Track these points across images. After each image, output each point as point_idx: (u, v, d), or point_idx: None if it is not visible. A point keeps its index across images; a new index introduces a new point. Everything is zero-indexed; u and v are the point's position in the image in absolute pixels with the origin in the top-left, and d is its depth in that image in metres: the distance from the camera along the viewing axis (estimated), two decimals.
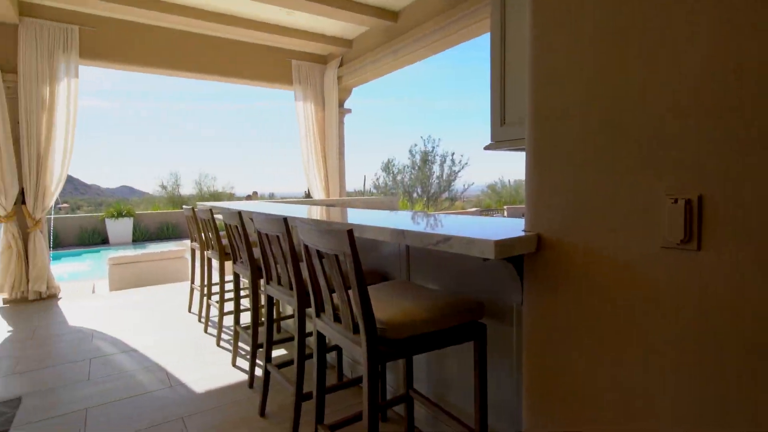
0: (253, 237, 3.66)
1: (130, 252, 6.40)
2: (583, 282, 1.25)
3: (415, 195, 19.24)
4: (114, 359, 3.33)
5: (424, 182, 19.14)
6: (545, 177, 1.34)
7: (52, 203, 5.29)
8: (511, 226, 1.56)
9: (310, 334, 2.75)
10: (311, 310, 1.83)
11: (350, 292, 1.43)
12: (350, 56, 6.77)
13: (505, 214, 12.34)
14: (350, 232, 1.33)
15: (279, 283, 2.29)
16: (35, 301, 5.15)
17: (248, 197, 18.06)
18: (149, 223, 13.08)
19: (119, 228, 12.25)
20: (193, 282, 4.56)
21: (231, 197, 18.75)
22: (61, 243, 11.59)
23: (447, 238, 1.39)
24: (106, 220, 12.15)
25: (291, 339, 2.99)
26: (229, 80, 6.62)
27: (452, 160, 19.10)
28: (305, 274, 2.14)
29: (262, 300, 3.99)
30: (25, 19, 4.91)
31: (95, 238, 12.14)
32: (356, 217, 2.24)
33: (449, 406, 2.08)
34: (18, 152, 5.01)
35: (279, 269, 2.24)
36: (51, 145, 5.13)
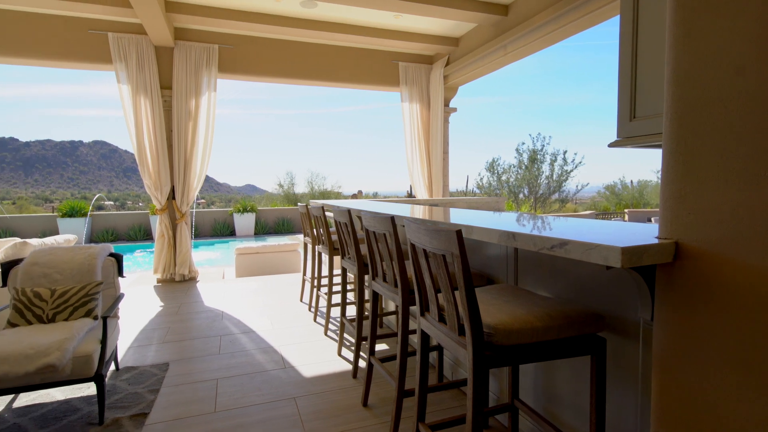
0: (361, 234, 3.82)
1: (253, 244, 7.14)
2: (738, 301, 1.06)
3: (521, 196, 18.32)
4: (238, 338, 3.75)
5: (532, 183, 18.12)
6: (690, 177, 1.17)
7: (194, 199, 6.16)
8: (639, 232, 1.40)
9: (413, 331, 2.79)
10: (415, 309, 1.85)
11: (457, 293, 1.42)
12: (457, 54, 6.69)
13: (626, 218, 11.12)
14: (459, 233, 1.31)
15: (384, 279, 2.36)
16: (180, 282, 6.04)
17: (354, 196, 18.95)
18: (268, 218, 14.47)
19: (244, 222, 13.77)
20: (305, 274, 4.93)
21: (338, 195, 19.86)
22: (198, 234, 13.43)
23: (563, 243, 1.29)
24: (234, 214, 13.75)
25: (392, 335, 3.07)
26: (340, 85, 7.02)
27: (564, 159, 17.77)
28: (410, 272, 2.17)
29: (367, 295, 4.16)
30: (178, 42, 5.78)
31: (225, 230, 13.82)
32: (461, 217, 2.20)
33: (559, 422, 1.94)
34: (170, 156, 5.92)
35: (384, 266, 2.31)
36: (194, 150, 5.96)
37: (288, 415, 2.46)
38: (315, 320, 4.20)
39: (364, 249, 3.02)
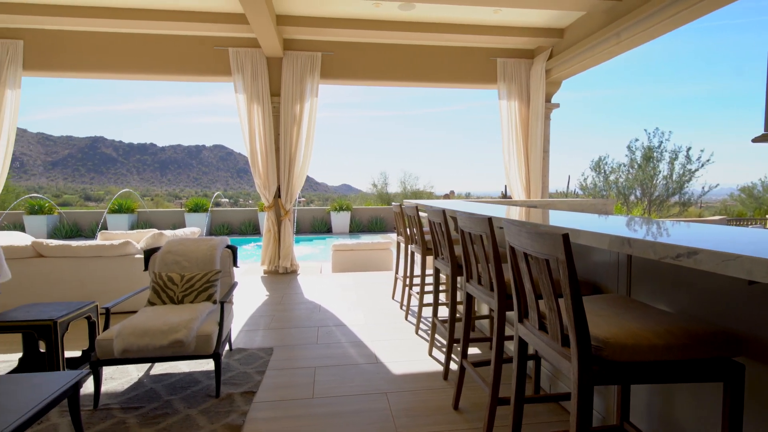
0: (455, 235, 3.77)
1: (348, 241, 7.48)
2: None
3: (632, 198, 16.57)
4: (334, 330, 3.95)
5: (646, 183, 16.27)
6: None
7: (297, 198, 6.62)
8: None
9: (508, 337, 2.67)
10: (511, 314, 1.77)
11: (561, 300, 1.32)
12: (561, 46, 6.27)
13: None
14: (566, 237, 1.22)
15: (479, 282, 2.30)
16: (283, 274, 6.53)
17: (446, 196, 18.80)
18: (362, 216, 15.01)
19: (340, 220, 14.45)
20: (397, 272, 5.01)
21: (430, 196, 19.86)
22: (299, 230, 14.42)
23: (692, 252, 1.14)
24: (331, 212, 14.50)
25: (485, 339, 2.98)
26: (435, 85, 7.00)
27: (687, 157, 15.67)
28: (508, 276, 2.08)
29: (460, 296, 4.10)
30: (286, 52, 6.26)
31: (322, 227, 14.65)
32: (565, 219, 2.06)
33: None
34: (277, 158, 6.43)
35: (480, 268, 2.25)
36: (297, 152, 6.40)
37: (380, 408, 2.53)
38: (406, 319, 4.25)
39: (458, 250, 2.97)
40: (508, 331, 3.02)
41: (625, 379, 1.30)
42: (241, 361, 3.23)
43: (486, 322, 3.81)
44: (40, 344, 2.96)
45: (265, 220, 6.56)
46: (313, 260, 8.91)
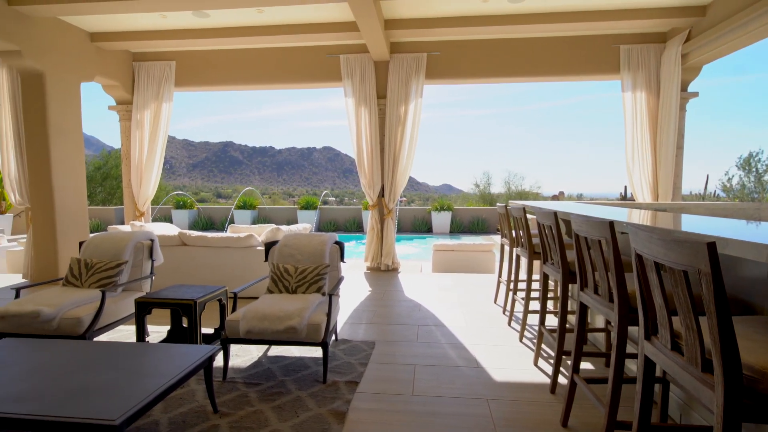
0: (566, 239, 3.51)
1: (449, 241, 7.41)
2: None
3: None
4: (434, 330, 3.94)
5: None
6: None
7: (399, 197, 6.75)
8: None
9: (629, 355, 2.41)
10: (634, 329, 1.58)
11: (702, 319, 1.15)
12: (703, 26, 5.44)
13: None
14: (712, 246, 1.06)
15: (596, 291, 2.11)
16: (384, 271, 6.72)
17: (554, 197, 17.57)
18: (463, 217, 14.76)
19: (440, 220, 14.39)
20: (500, 275, 4.83)
21: (537, 197, 18.75)
22: (400, 229, 14.70)
23: None
24: (432, 212, 14.52)
25: (599, 354, 2.72)
26: (546, 79, 6.59)
27: None
28: (632, 286, 1.88)
29: (571, 305, 3.80)
30: (393, 55, 6.42)
31: (423, 227, 14.74)
32: (705, 226, 1.77)
33: None
34: (382, 158, 6.63)
35: (597, 276, 2.05)
36: (401, 152, 6.53)
37: (480, 414, 2.46)
38: (509, 324, 4.07)
39: (570, 255, 2.76)
40: (630, 349, 2.72)
41: None
42: (345, 351, 3.40)
43: (601, 335, 3.48)
44: (183, 320, 3.46)
45: (369, 218, 6.81)
46: (414, 259, 9.01)
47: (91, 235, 4.14)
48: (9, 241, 8.11)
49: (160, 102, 7.06)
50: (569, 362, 3.06)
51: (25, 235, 8.31)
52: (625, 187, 8.41)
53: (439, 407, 2.55)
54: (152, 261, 3.89)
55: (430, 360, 3.25)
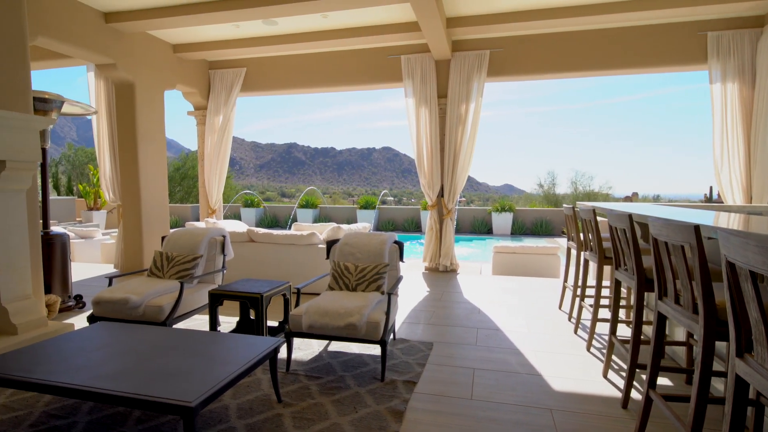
0: (643, 244, 3.28)
1: (510, 243, 7.17)
2: None
3: None
4: (493, 334, 3.84)
5: None
6: None
7: (458, 197, 6.65)
8: None
9: (717, 373, 2.19)
10: (724, 345, 1.43)
11: None
12: None
13: None
14: None
15: (676, 301, 1.94)
16: (442, 273, 6.65)
17: (627, 198, 16.39)
18: (526, 218, 14.22)
19: (501, 221, 13.98)
20: (565, 280, 4.60)
21: (607, 198, 17.60)
22: (459, 229, 14.47)
23: None
24: (492, 213, 14.14)
25: (680, 370, 2.50)
26: (618, 72, 6.17)
27: None
28: (720, 297, 1.71)
29: (646, 315, 3.54)
30: (454, 54, 6.34)
31: (482, 228, 14.40)
32: None
33: None
34: (441, 158, 6.57)
35: (679, 285, 1.89)
36: (461, 151, 6.42)
37: (543, 425, 2.36)
38: (575, 332, 3.86)
39: (646, 261, 2.56)
40: (717, 366, 2.47)
41: None
42: (403, 350, 3.41)
43: (680, 349, 3.19)
44: (250, 312, 3.66)
45: (428, 219, 6.78)
46: (473, 260, 8.84)
47: (172, 230, 4.51)
48: (103, 234, 9.06)
49: (231, 106, 7.53)
50: (644, 376, 2.85)
51: (116, 230, 9.24)
52: (711, 187, 7.65)
53: (500, 414, 2.48)
54: (224, 256, 4.15)
55: (489, 365, 3.17)
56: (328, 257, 3.68)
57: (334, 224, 5.38)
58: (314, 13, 5.33)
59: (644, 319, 3.44)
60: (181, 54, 6.90)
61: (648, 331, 3.58)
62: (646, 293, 2.72)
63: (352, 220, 15.29)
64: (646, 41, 5.89)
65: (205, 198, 7.85)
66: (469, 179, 6.69)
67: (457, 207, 7.00)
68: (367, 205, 15.07)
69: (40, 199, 4.16)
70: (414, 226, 14.97)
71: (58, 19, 5.03)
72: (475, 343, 3.61)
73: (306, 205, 15.41)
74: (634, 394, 2.67)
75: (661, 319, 2.14)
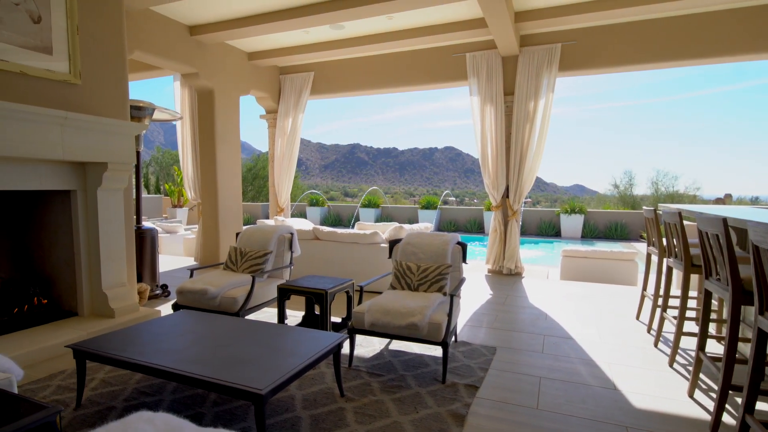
0: (738, 251, 2.96)
1: (580, 247, 6.75)
2: None
3: None
4: (561, 342, 3.65)
5: None
6: None
7: (524, 198, 6.40)
8: None
9: None
10: None
11: None
12: None
13: None
14: None
15: None
16: (506, 276, 6.44)
17: (718, 200, 14.76)
18: (598, 221, 13.34)
19: (570, 223, 13.23)
20: (644, 289, 4.25)
21: (694, 200, 16.01)
22: (524, 231, 13.92)
23: None
24: (561, 215, 13.43)
25: None
26: (710, 61, 5.58)
27: None
28: None
29: (743, 331, 3.18)
30: (523, 49, 6.10)
31: (550, 230, 13.72)
32: None
33: None
34: (507, 157, 6.36)
35: None
36: (528, 151, 6.17)
37: None
38: (656, 346, 3.56)
39: (744, 270, 2.30)
40: None
41: None
42: (464, 354, 3.35)
43: None
44: (315, 307, 3.79)
45: (492, 220, 6.60)
46: (539, 264, 8.46)
47: (244, 227, 4.80)
48: (185, 229, 9.86)
49: (299, 109, 7.85)
50: (738, 399, 2.57)
51: (196, 225, 10.03)
52: None
53: (568, 427, 2.35)
54: (291, 252, 4.34)
55: (557, 374, 3.02)
56: (390, 256, 3.71)
57: (396, 224, 5.41)
58: (380, 15, 5.40)
59: (741, 335, 3.08)
60: (255, 61, 7.32)
61: (743, 348, 3.21)
62: (743, 307, 2.45)
63: (414, 220, 15.29)
64: (743, 25, 5.27)
65: (275, 197, 8.25)
66: (536, 179, 6.41)
67: (522, 208, 6.74)
68: (428, 205, 15.00)
69: (134, 197, 4.62)
70: (476, 227, 14.64)
71: (152, 35, 5.55)
72: (541, 351, 3.45)
73: (368, 204, 15.66)
74: (727, 419, 2.40)
75: (763, 337, 1.91)
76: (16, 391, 2.00)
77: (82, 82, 3.75)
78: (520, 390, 2.77)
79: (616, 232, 12.96)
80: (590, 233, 13.24)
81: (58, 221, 3.89)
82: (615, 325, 4.10)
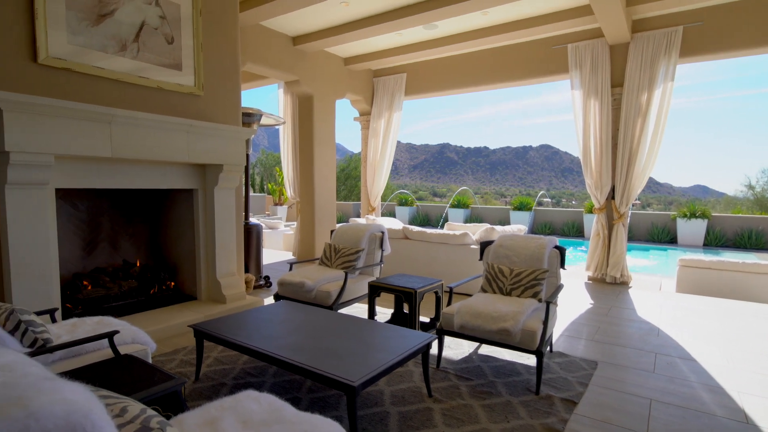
0: None
1: (702, 256, 5.91)
2: None
3: None
4: (678, 363, 3.23)
5: None
6: None
7: (634, 200, 5.79)
8: None
9: None
10: None
11: None
12: None
13: None
14: None
15: None
16: (610, 285, 5.90)
17: None
18: (726, 227, 11.58)
19: (690, 229, 11.68)
20: None
21: None
22: (632, 237, 12.60)
23: None
24: (678, 219, 11.91)
25: None
26: None
27: None
28: None
29: None
30: (635, 35, 5.53)
31: (663, 236, 12.25)
32: None
33: None
34: (614, 155, 5.82)
35: None
36: (640, 148, 5.57)
37: None
38: None
39: None
40: None
41: None
42: (561, 365, 3.14)
43: None
44: (404, 305, 3.84)
45: (594, 223, 6.09)
46: (650, 273, 7.61)
47: (338, 225, 5.03)
48: (285, 226, 10.64)
49: (392, 111, 8.00)
50: None
51: (294, 222, 10.76)
52: None
53: None
54: (382, 251, 4.44)
55: (672, 398, 2.69)
56: (481, 258, 3.62)
57: (487, 225, 5.26)
58: (475, 12, 5.28)
59: None
60: (350, 66, 7.62)
61: None
62: None
63: (505, 221, 14.71)
64: None
65: (366, 196, 8.52)
66: (649, 179, 5.79)
67: (630, 211, 6.12)
68: (521, 207, 14.32)
69: (243, 195, 5.10)
70: (575, 231, 13.63)
71: (261, 47, 6.08)
72: (652, 370, 3.10)
73: (457, 205, 15.44)
74: None
75: None
76: (150, 361, 2.33)
77: (204, 93, 4.24)
78: (627, 411, 2.52)
79: (749, 241, 11.16)
80: (715, 241, 11.56)
81: (183, 216, 4.44)
82: (748, 349, 3.53)
